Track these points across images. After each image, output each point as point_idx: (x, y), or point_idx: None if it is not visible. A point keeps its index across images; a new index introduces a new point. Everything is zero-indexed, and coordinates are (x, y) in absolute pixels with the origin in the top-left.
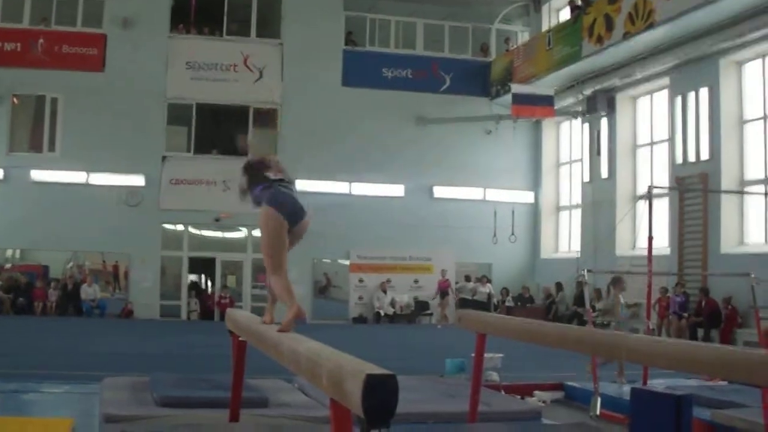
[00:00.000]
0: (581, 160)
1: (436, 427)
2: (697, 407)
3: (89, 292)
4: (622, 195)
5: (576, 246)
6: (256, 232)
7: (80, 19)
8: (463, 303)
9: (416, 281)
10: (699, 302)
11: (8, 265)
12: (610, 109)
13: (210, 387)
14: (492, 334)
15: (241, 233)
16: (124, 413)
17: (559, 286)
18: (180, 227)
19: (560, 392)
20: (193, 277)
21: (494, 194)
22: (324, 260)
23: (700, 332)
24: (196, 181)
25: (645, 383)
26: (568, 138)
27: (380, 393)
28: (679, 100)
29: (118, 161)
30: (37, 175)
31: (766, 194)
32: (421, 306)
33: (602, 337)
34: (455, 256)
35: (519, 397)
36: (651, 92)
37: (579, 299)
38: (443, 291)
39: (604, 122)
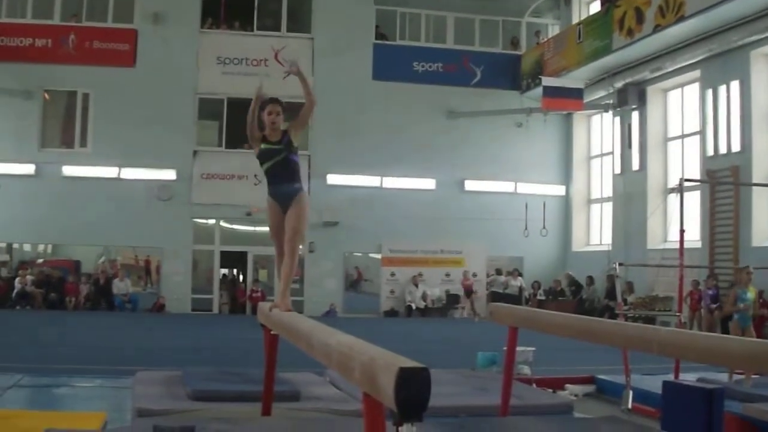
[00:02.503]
0: (612, 153)
1: (467, 421)
2: (728, 401)
3: (121, 286)
4: (653, 188)
5: (607, 239)
6: None
7: (111, 15)
8: (494, 296)
9: (447, 275)
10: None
11: (40, 260)
12: (641, 101)
13: (242, 381)
14: (524, 327)
15: None
16: (157, 407)
17: (590, 280)
18: (211, 221)
19: (592, 386)
20: (224, 271)
21: (525, 187)
22: (355, 254)
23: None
24: (228, 176)
25: (677, 377)
26: (599, 131)
27: (413, 386)
28: (710, 92)
29: (150, 156)
30: (69, 170)
31: None
32: (453, 299)
33: (633, 331)
34: (486, 249)
35: (550, 390)
36: (682, 85)
37: (610, 293)
38: (467, 290)
39: (635, 115)
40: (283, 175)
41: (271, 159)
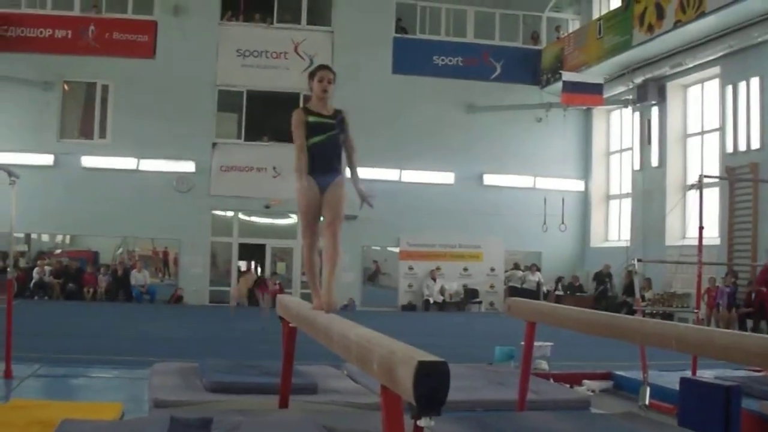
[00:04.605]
0: (632, 148)
1: (484, 415)
2: (746, 398)
3: (139, 277)
4: (672, 184)
5: (626, 235)
6: None
7: (131, 6)
8: (512, 291)
9: (465, 269)
10: (748, 293)
11: (58, 251)
12: (661, 97)
13: (259, 373)
14: (541, 322)
15: (291, 220)
16: (174, 398)
17: (608, 276)
18: (230, 213)
19: (609, 381)
20: (242, 264)
21: (544, 182)
22: (373, 247)
23: (750, 323)
24: (247, 168)
25: (694, 373)
26: (619, 126)
27: (432, 380)
28: (729, 89)
29: (169, 148)
30: (88, 161)
31: None
32: (471, 294)
33: (651, 327)
34: (505, 244)
35: (568, 385)
36: (702, 81)
37: (628, 288)
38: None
39: (654, 111)
40: (330, 156)
41: (321, 133)
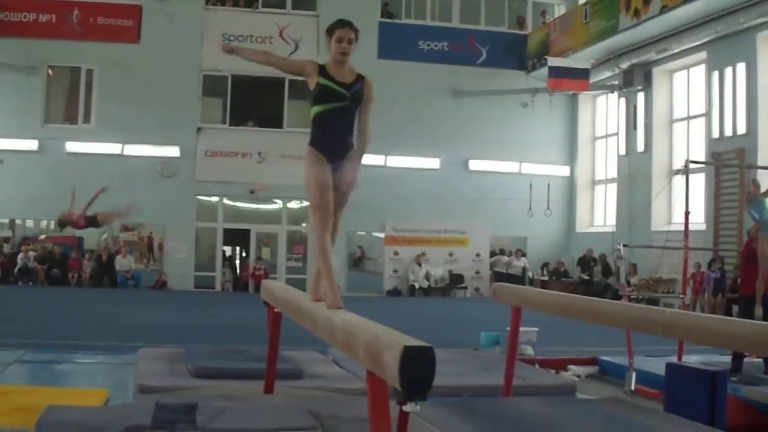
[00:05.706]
0: (617, 134)
1: (470, 400)
2: (731, 383)
3: (124, 263)
4: (658, 169)
5: (611, 220)
6: (291, 204)
7: None
8: (497, 277)
9: (451, 254)
10: (734, 279)
11: (43, 236)
12: (647, 83)
13: (244, 358)
14: (527, 307)
15: (276, 205)
16: (159, 384)
17: (594, 261)
18: (215, 199)
19: (595, 367)
20: (227, 249)
21: (530, 168)
22: (359, 232)
23: (735, 309)
24: (232, 153)
25: (680, 358)
26: (605, 112)
27: (418, 365)
28: (716, 74)
29: (153, 133)
30: (72, 146)
31: None
32: (456, 279)
33: (638, 312)
34: (490, 229)
35: (554, 371)
36: (688, 66)
37: (606, 270)
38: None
39: (640, 96)
40: (338, 126)
41: (328, 102)
